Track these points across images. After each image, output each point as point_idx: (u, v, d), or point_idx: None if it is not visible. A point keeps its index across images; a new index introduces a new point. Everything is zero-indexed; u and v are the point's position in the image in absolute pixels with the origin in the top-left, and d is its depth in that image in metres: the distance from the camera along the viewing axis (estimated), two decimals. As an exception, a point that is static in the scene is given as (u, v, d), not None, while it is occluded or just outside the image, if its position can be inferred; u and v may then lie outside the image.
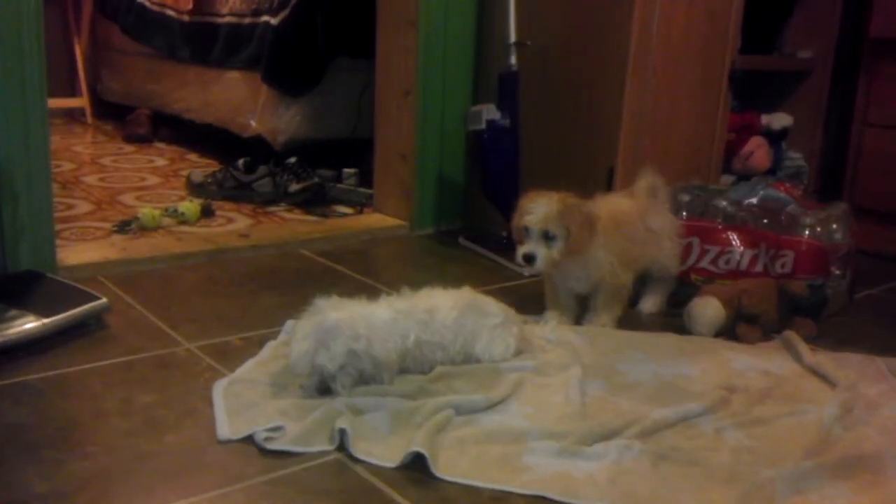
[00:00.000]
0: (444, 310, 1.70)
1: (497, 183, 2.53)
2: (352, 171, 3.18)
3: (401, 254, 2.60)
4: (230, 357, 1.72)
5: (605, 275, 1.91)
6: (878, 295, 2.38)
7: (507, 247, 2.53)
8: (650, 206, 2.06)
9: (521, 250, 1.87)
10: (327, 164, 3.23)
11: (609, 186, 2.40)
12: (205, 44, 3.64)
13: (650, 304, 2.11)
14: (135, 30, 4.15)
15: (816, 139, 3.07)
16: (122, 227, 2.51)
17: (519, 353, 1.77)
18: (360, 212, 2.89)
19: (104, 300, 1.87)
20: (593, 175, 2.44)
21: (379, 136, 2.86)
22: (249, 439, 1.40)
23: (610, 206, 1.99)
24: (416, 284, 1.78)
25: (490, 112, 2.45)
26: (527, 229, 1.86)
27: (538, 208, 1.83)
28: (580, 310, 2.01)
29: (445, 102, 2.72)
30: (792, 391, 1.70)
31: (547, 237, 1.84)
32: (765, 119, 2.93)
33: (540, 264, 1.85)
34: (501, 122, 2.45)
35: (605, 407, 1.59)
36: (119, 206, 2.84)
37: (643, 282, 2.11)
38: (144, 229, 2.52)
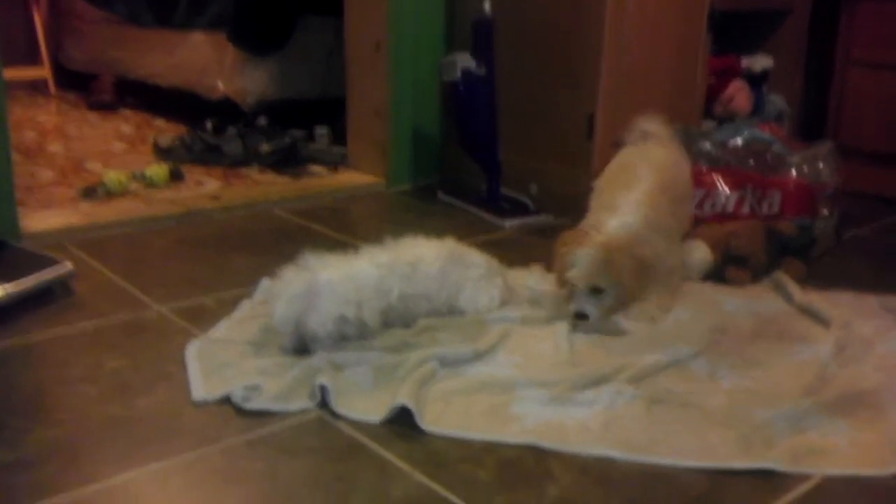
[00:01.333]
0: (427, 259, 1.64)
1: (474, 134, 2.46)
2: (324, 129, 3.09)
3: (378, 210, 2.53)
4: (203, 319, 1.65)
5: (661, 258, 1.67)
6: (864, 234, 2.34)
7: (486, 200, 2.47)
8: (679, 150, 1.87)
9: (572, 307, 1.61)
10: (298, 124, 3.14)
11: (589, 135, 2.34)
12: (167, 6, 3.52)
13: None
14: (94, -5, 4.01)
15: (798, 80, 3.01)
16: (88, 193, 2.42)
17: (503, 304, 1.71)
18: (335, 170, 2.81)
19: (69, 265, 1.79)
20: (573, 123, 2.38)
21: (351, 91, 2.77)
22: (226, 400, 1.35)
23: (651, 160, 1.77)
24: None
25: (465, 61, 2.36)
26: (572, 284, 1.60)
27: (581, 260, 1.57)
28: None
29: (418, 53, 2.63)
30: (783, 331, 1.66)
31: (596, 291, 1.59)
32: (745, 61, 2.87)
33: (594, 321, 1.60)
34: (477, 72, 2.36)
35: (594, 353, 1.54)
36: (84, 173, 2.74)
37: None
38: (111, 195, 2.43)
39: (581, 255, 1.57)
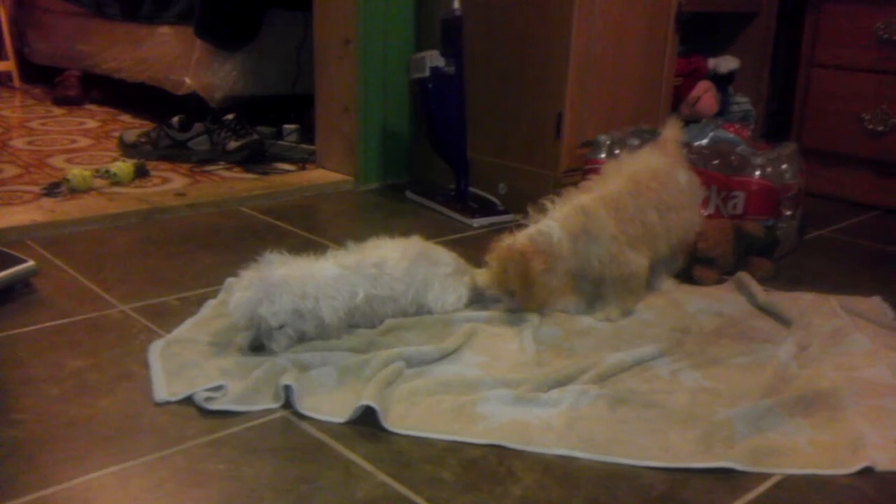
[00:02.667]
0: (393, 261, 1.64)
1: (443, 132, 2.45)
2: (292, 127, 3.08)
3: (346, 209, 2.52)
4: (167, 318, 1.64)
5: (606, 263, 1.68)
6: (827, 235, 2.38)
7: (455, 199, 2.48)
8: (682, 160, 1.88)
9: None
10: (267, 121, 3.12)
11: (558, 134, 2.35)
12: (134, -2, 3.49)
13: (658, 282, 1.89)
14: (60, -13, 3.96)
15: (763, 82, 3.04)
16: (52, 190, 2.39)
17: (471, 302, 1.72)
18: (303, 168, 2.80)
19: (31, 262, 1.77)
20: (541, 122, 2.38)
21: (319, 87, 2.76)
22: (189, 401, 1.33)
23: (631, 168, 1.77)
24: (363, 240, 1.72)
25: (434, 59, 2.36)
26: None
27: (489, 264, 1.67)
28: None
29: (387, 50, 2.62)
30: (745, 331, 1.68)
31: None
32: (712, 63, 2.89)
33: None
34: (446, 69, 2.36)
35: (559, 353, 1.54)
36: (48, 169, 2.70)
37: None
38: (75, 191, 2.40)
39: (489, 259, 1.66)
